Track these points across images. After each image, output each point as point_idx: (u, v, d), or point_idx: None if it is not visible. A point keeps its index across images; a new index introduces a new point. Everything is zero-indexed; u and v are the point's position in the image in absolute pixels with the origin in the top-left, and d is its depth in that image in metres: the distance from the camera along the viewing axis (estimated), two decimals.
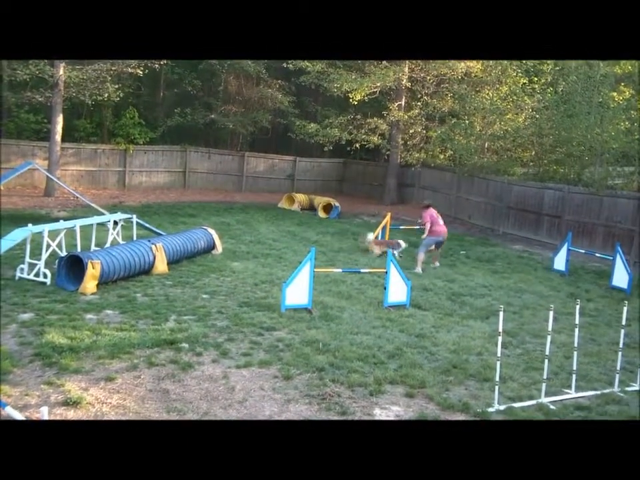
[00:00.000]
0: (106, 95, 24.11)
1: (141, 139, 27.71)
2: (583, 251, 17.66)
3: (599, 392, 8.47)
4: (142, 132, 27.88)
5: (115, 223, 14.86)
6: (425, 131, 28.29)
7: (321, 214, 24.60)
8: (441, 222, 16.05)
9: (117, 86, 24.56)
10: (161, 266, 12.93)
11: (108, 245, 14.03)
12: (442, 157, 28.50)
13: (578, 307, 8.56)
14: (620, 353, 8.76)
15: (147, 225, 16.01)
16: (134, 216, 15.54)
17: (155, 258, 12.77)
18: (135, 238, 14.89)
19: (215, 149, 30.35)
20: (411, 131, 28.11)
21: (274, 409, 7.27)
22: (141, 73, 24.58)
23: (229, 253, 15.60)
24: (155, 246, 12.87)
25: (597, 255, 17.45)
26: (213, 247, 15.35)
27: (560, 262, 16.87)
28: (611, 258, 15.78)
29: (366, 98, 26.80)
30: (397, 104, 27.77)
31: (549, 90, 25.42)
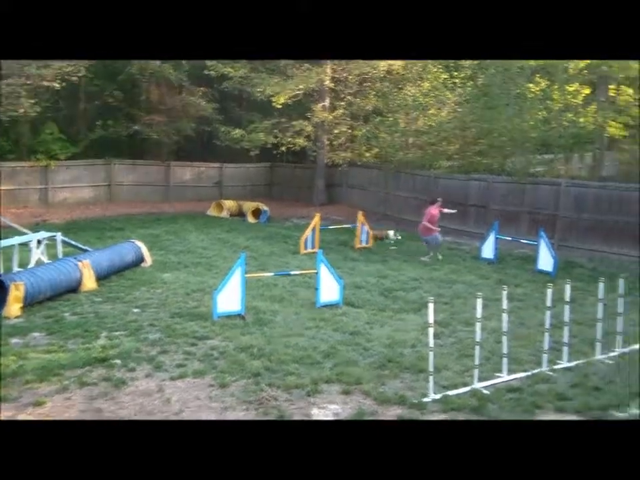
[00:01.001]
0: (21, 111, 23.46)
1: (62, 154, 27.02)
2: (509, 238, 18.02)
3: (529, 373, 8.67)
4: (63, 147, 27.21)
5: (39, 242, 14.46)
6: (350, 130, 28.44)
7: (250, 219, 24.51)
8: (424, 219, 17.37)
9: (33, 100, 23.89)
10: (89, 283, 12.67)
11: (32, 264, 13.65)
12: (368, 155, 28.67)
13: (505, 292, 8.72)
14: (547, 334, 8.96)
15: (73, 242, 15.62)
16: (58, 233, 15.16)
17: (82, 275, 12.50)
18: (60, 256, 14.51)
19: (140, 160, 29.85)
20: (336, 131, 28.22)
21: (211, 418, 7.19)
22: (58, 86, 23.99)
23: (159, 265, 15.39)
24: (82, 263, 12.60)
25: (522, 241, 17.86)
26: (142, 259, 15.12)
27: (488, 250, 17.22)
28: (536, 243, 16.17)
29: (289, 101, 26.79)
30: (320, 105, 27.86)
31: (468, 84, 25.87)
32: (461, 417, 7.29)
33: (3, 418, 5.76)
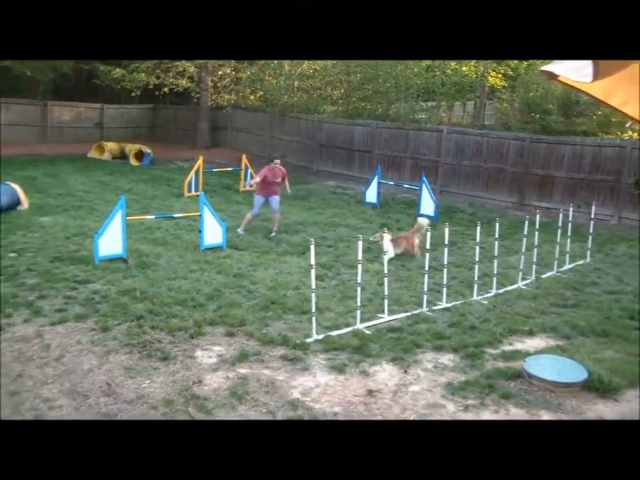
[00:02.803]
0: None
1: None
2: (392, 183, 18.40)
3: (409, 313, 8.96)
4: None
5: None
6: (234, 73, 28.03)
7: (133, 162, 23.92)
8: (277, 180, 13.76)
9: None
10: None
11: None
12: (253, 97, 28.44)
13: (386, 235, 8.95)
14: (427, 276, 9.28)
15: None
16: None
17: None
18: None
19: (13, 99, 28.35)
20: (220, 73, 27.76)
21: (93, 362, 7.10)
22: None
23: (36, 208, 14.84)
24: None
25: (405, 186, 18.27)
26: (18, 202, 14.54)
27: (372, 195, 17.53)
28: (418, 188, 16.59)
29: None
30: None
31: None
32: (342, 356, 7.50)
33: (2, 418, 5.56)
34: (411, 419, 6.18)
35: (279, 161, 13.79)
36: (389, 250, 11.15)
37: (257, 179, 13.55)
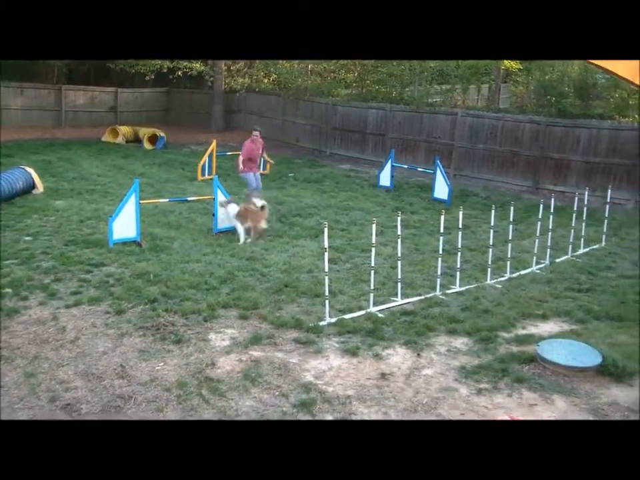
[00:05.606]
0: None
1: None
2: (406, 167, 18.34)
3: (422, 297, 8.96)
4: None
5: None
6: None
7: (147, 145, 23.91)
8: (259, 153, 14.34)
9: None
10: None
11: None
12: (266, 81, 28.37)
13: (399, 219, 8.92)
14: (440, 260, 9.26)
15: None
16: None
17: None
18: None
19: (28, 83, 28.37)
20: None
21: (108, 345, 7.15)
22: None
23: (51, 192, 14.90)
24: None
25: (419, 169, 18.20)
26: (33, 186, 14.59)
27: (385, 178, 17.49)
28: (432, 172, 16.53)
29: None
30: None
31: None
32: (355, 339, 7.51)
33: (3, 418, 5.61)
34: (424, 402, 6.19)
35: (258, 133, 14.07)
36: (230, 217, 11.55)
37: (242, 158, 13.73)
